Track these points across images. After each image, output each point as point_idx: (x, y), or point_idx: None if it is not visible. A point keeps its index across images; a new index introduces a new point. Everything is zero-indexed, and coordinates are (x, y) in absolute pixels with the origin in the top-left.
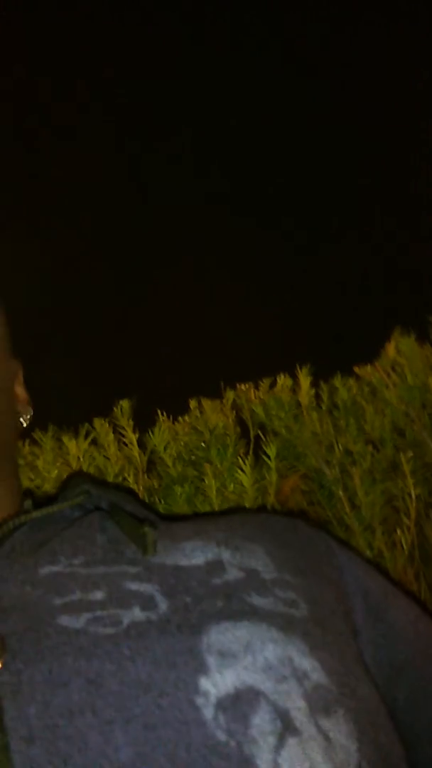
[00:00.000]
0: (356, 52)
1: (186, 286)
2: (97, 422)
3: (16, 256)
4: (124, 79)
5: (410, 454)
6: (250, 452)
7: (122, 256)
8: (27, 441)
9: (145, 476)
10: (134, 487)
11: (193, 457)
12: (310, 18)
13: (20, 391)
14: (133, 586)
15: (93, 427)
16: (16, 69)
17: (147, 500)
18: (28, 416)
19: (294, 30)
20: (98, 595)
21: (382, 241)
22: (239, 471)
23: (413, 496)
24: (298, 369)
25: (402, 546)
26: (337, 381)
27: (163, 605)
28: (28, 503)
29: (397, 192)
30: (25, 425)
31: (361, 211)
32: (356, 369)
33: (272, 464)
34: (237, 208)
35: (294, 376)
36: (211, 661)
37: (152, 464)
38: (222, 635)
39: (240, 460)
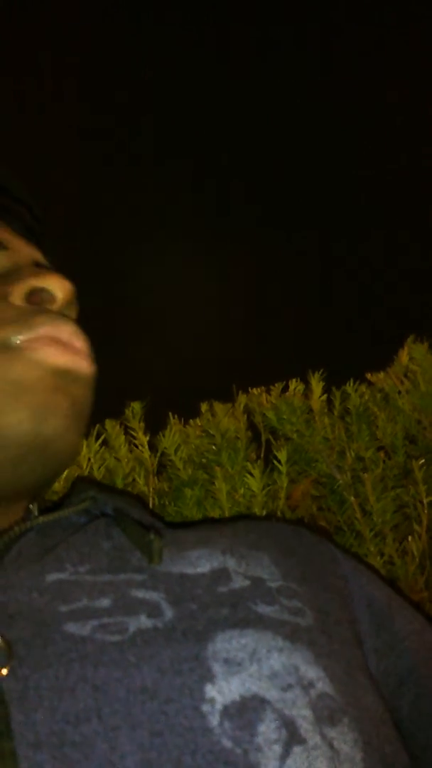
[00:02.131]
0: (356, 50)
1: (201, 290)
2: (109, 424)
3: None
4: (123, 79)
5: (422, 461)
6: (261, 456)
7: (136, 257)
8: None
9: (156, 479)
10: (144, 489)
11: (203, 461)
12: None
13: None
14: (139, 593)
15: (104, 429)
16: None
17: (157, 503)
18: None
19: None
20: (104, 602)
21: (398, 248)
22: (249, 475)
23: (425, 503)
24: (311, 374)
25: (413, 553)
26: (350, 387)
27: (169, 613)
28: (33, 508)
29: (414, 199)
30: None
31: (377, 217)
32: (368, 376)
33: (283, 469)
34: (255, 212)
35: (306, 382)
36: (217, 668)
37: (162, 467)
38: (227, 643)
39: (250, 465)
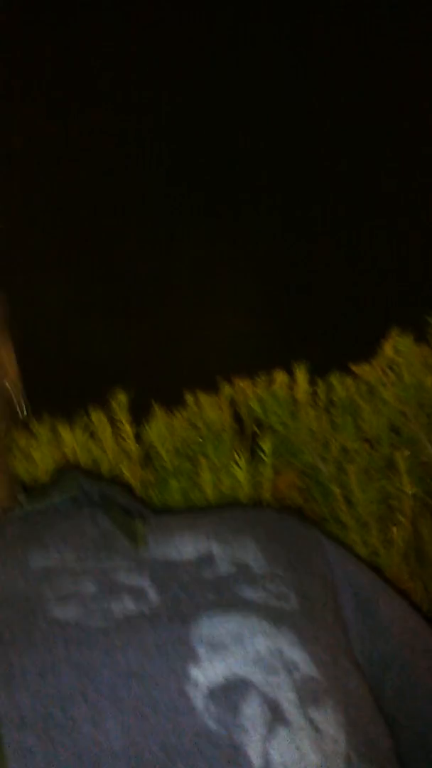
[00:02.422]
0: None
1: (186, 281)
2: (94, 414)
3: (16, 245)
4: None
5: (407, 452)
6: (246, 448)
7: (121, 248)
8: (23, 431)
9: (141, 469)
10: (130, 480)
11: (189, 452)
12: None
13: (11, 379)
14: (125, 579)
15: (90, 419)
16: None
17: (143, 493)
18: (21, 407)
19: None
20: (90, 588)
21: (383, 240)
22: (235, 466)
23: (409, 494)
24: (296, 366)
25: (397, 544)
26: (335, 379)
27: (154, 598)
28: (21, 496)
29: (397, 190)
30: (20, 416)
31: (361, 208)
32: (353, 367)
33: (268, 460)
34: (236, 202)
35: (291, 373)
36: (201, 651)
37: (148, 458)
38: (212, 626)
39: (237, 455)
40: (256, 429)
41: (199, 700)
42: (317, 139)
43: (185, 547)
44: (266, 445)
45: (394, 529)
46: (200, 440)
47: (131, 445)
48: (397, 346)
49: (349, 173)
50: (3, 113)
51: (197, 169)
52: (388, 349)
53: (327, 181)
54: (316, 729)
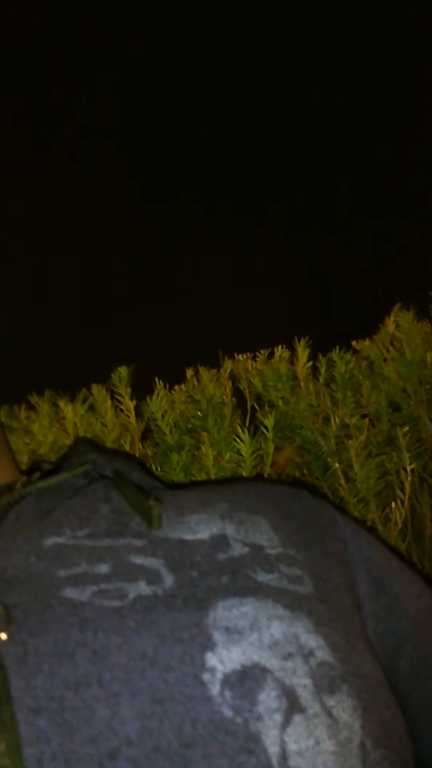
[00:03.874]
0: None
1: (187, 256)
2: (95, 388)
3: (14, 223)
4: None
5: (406, 428)
6: (248, 422)
7: (123, 229)
8: (23, 405)
9: (141, 444)
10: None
11: (189, 426)
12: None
13: None
14: (138, 559)
15: (90, 393)
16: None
17: None
18: None
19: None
20: (103, 568)
21: (385, 216)
22: (237, 440)
23: (408, 470)
24: (296, 341)
25: (395, 520)
26: (335, 354)
27: (168, 580)
28: (36, 475)
29: (399, 166)
30: None
31: (363, 184)
32: (354, 343)
33: (270, 435)
34: (235, 181)
35: (292, 349)
36: (218, 636)
37: (148, 432)
38: (228, 611)
39: (239, 429)
40: (255, 405)
41: (215, 687)
42: (315, 121)
43: (198, 526)
44: (268, 420)
45: (393, 505)
46: (200, 414)
47: (132, 419)
48: (398, 322)
49: (350, 153)
50: None
51: (198, 150)
52: (389, 325)
53: (328, 160)
54: (332, 716)
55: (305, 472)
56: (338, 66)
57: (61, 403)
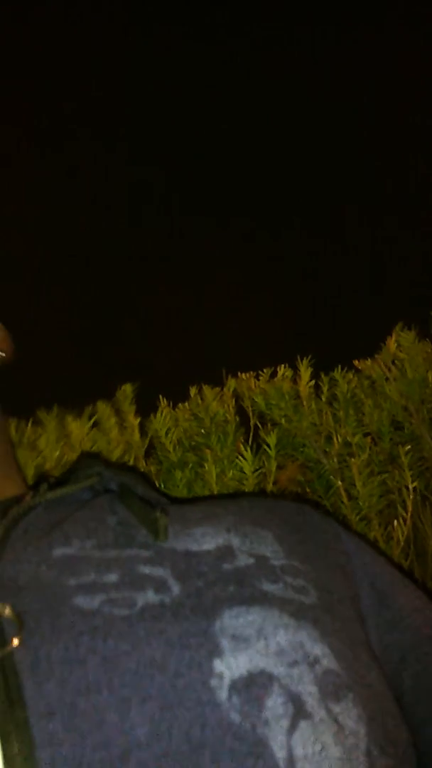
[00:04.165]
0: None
1: (193, 275)
2: (100, 405)
3: (22, 239)
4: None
5: (408, 447)
6: (251, 440)
7: (127, 241)
8: (30, 421)
9: (145, 461)
10: None
11: (193, 443)
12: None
13: None
14: (146, 569)
15: (96, 410)
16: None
17: None
18: (6, 351)
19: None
20: (112, 577)
21: (388, 236)
22: (240, 458)
23: (410, 488)
24: (299, 360)
25: (398, 538)
26: (337, 374)
27: (175, 589)
28: (43, 487)
29: (403, 189)
30: (4, 356)
31: (366, 204)
32: (356, 363)
33: (272, 453)
34: (242, 198)
35: (294, 368)
36: (225, 643)
37: (152, 449)
38: (235, 619)
39: (242, 447)
40: (257, 423)
41: (222, 692)
42: (321, 136)
43: (204, 538)
44: (271, 438)
45: (395, 523)
46: (203, 432)
47: (135, 436)
48: (400, 341)
49: (355, 171)
50: None
51: (202, 165)
52: (391, 344)
53: (332, 179)
54: (338, 723)
55: (308, 489)
56: (347, 78)
57: (68, 419)
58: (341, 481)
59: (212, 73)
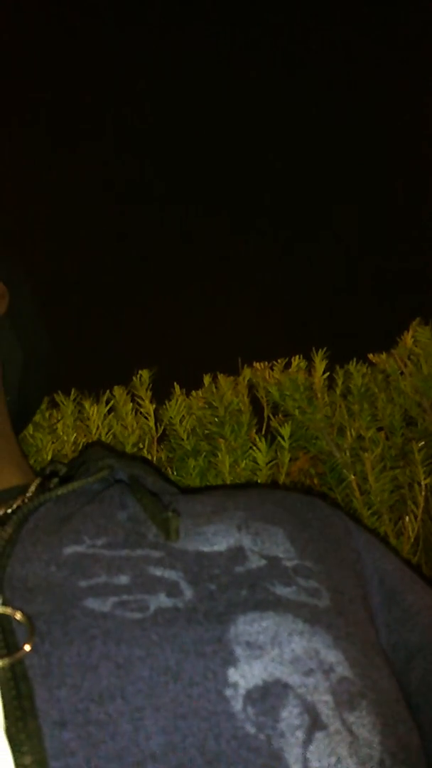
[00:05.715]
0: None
1: (213, 264)
2: (117, 390)
3: (42, 227)
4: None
5: (421, 443)
6: (264, 430)
7: (146, 231)
8: (49, 404)
9: (158, 447)
10: (148, 457)
11: (206, 432)
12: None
13: None
14: (158, 571)
15: (113, 395)
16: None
17: None
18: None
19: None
20: (123, 579)
21: (405, 229)
22: (254, 448)
23: (422, 484)
24: (314, 352)
25: (408, 534)
26: (352, 367)
27: (188, 593)
28: (54, 482)
29: (420, 183)
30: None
31: (383, 199)
32: (371, 356)
33: (286, 444)
34: (261, 191)
35: (309, 359)
36: (239, 652)
37: (165, 436)
38: (249, 626)
39: (257, 438)
40: (270, 415)
41: (237, 703)
42: (333, 126)
43: (215, 537)
44: (285, 429)
45: (406, 519)
46: (217, 421)
47: (150, 422)
48: (416, 337)
49: (371, 162)
50: None
51: (223, 166)
52: (407, 339)
53: (350, 171)
54: (352, 733)
55: (316, 481)
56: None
57: (86, 404)
58: (353, 474)
59: (212, 72)
